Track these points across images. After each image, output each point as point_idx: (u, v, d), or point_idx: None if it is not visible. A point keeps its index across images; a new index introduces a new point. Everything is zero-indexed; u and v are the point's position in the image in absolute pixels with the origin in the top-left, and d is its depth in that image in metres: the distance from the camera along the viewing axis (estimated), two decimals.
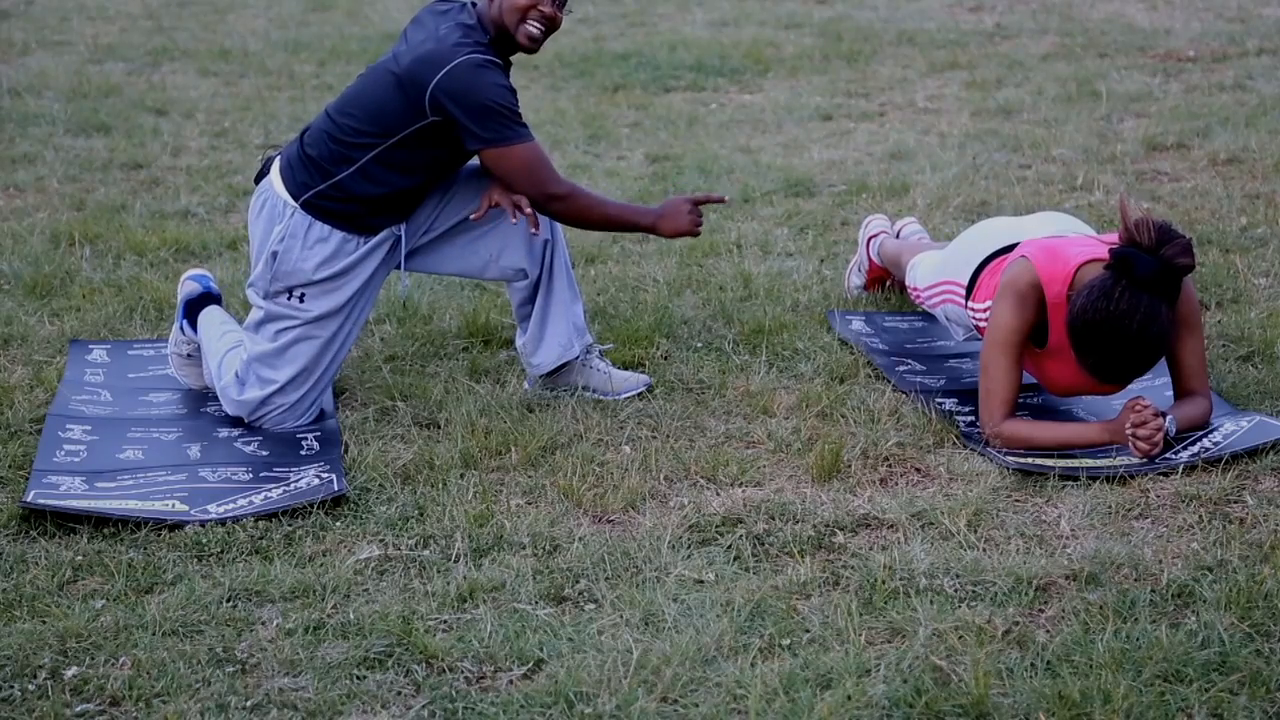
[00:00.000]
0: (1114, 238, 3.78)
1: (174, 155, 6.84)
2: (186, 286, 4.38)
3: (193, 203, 6.05)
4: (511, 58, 4.09)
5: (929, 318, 4.71)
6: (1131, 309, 3.54)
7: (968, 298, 4.10)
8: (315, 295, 4.07)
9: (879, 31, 9.51)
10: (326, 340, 4.08)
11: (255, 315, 4.12)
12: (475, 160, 4.17)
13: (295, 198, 4.06)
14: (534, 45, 4.00)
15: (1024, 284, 3.79)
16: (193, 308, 4.31)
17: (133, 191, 6.25)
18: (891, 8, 10.39)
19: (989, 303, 3.95)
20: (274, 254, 4.05)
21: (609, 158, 6.80)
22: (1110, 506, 3.51)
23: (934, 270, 4.32)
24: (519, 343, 4.30)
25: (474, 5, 4.07)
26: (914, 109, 7.62)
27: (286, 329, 4.07)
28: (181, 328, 4.31)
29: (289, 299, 4.07)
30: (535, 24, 3.99)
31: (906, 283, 4.56)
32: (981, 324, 4.03)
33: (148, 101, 7.88)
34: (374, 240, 4.10)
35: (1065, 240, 3.87)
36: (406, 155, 4.00)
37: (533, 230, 4.10)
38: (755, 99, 7.96)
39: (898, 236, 4.94)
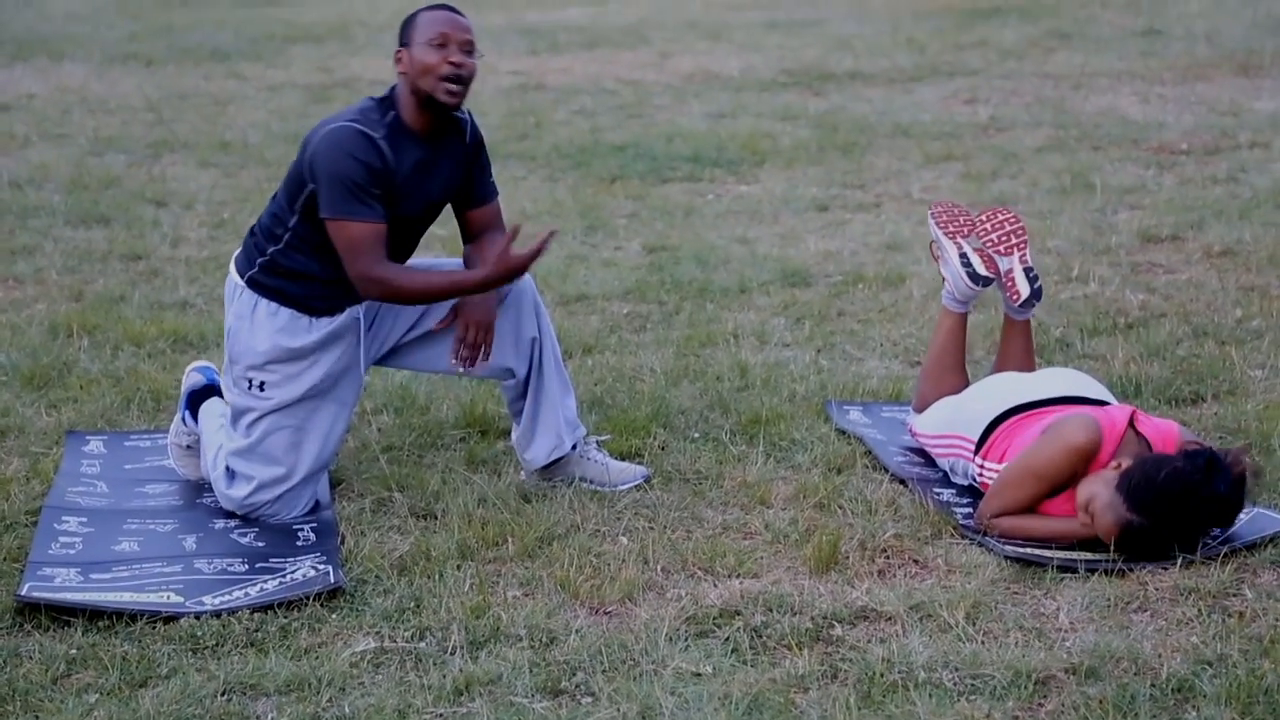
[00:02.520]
0: (1126, 408, 3.96)
1: (173, 246, 6.87)
2: (191, 378, 4.38)
3: (191, 293, 6.07)
4: (444, 118, 4.05)
5: None
6: (1196, 499, 3.63)
7: (976, 452, 4.11)
8: (275, 383, 4.07)
9: (874, 124, 9.59)
10: (297, 429, 4.07)
11: (229, 410, 4.15)
12: (450, 262, 4.25)
13: (242, 276, 4.11)
14: (455, 98, 3.98)
15: (1087, 442, 3.80)
16: (196, 399, 4.31)
17: (131, 282, 6.27)
18: (886, 100, 10.49)
19: (1002, 464, 3.98)
20: (230, 334, 4.09)
21: (606, 248, 6.83)
22: (1109, 599, 3.49)
23: (943, 421, 4.31)
24: (514, 437, 4.31)
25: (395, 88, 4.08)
26: (909, 200, 7.67)
27: (255, 421, 4.08)
28: (184, 419, 4.32)
29: (249, 388, 4.09)
30: (449, 79, 3.95)
31: (907, 420, 4.55)
32: (987, 480, 4.03)
33: (147, 193, 7.92)
34: (333, 325, 4.10)
35: (1110, 419, 3.88)
36: (312, 231, 4.01)
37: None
38: (752, 190, 8.01)
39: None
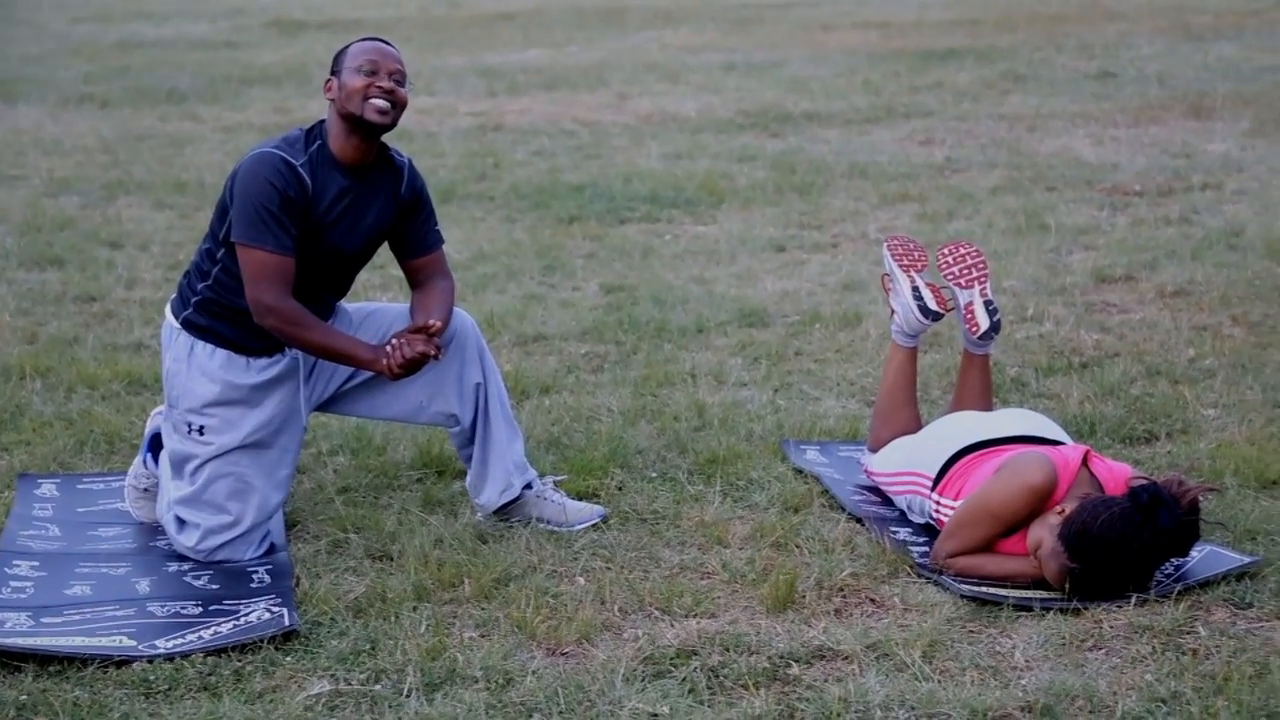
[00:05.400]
0: (1080, 447, 3.94)
1: (128, 288, 6.84)
2: (154, 421, 4.35)
3: (145, 335, 6.04)
4: (373, 150, 4.05)
5: None
6: (1137, 542, 3.63)
7: (933, 489, 4.12)
8: (215, 428, 4.05)
9: (831, 164, 9.64)
10: (240, 476, 4.05)
11: (171, 457, 4.11)
12: (392, 308, 4.24)
13: (177, 319, 4.10)
14: (385, 117, 3.97)
15: (1043, 481, 3.79)
16: (159, 443, 4.28)
17: (85, 324, 6.24)
18: (843, 141, 10.55)
19: (958, 501, 3.98)
20: (167, 378, 4.07)
21: (564, 288, 6.83)
22: (1064, 637, 3.50)
23: (900, 459, 4.32)
24: (468, 481, 4.30)
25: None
26: (866, 240, 7.70)
27: (198, 469, 4.05)
28: (144, 461, 4.28)
29: (189, 433, 4.06)
30: (378, 99, 3.96)
31: (862, 459, 4.56)
32: (943, 517, 4.03)
33: (102, 234, 7.89)
34: (272, 369, 4.09)
35: (1064, 458, 3.88)
36: (238, 263, 3.98)
37: (433, 354, 3.99)
38: (709, 230, 8.03)
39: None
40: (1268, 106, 11.36)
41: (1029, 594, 3.72)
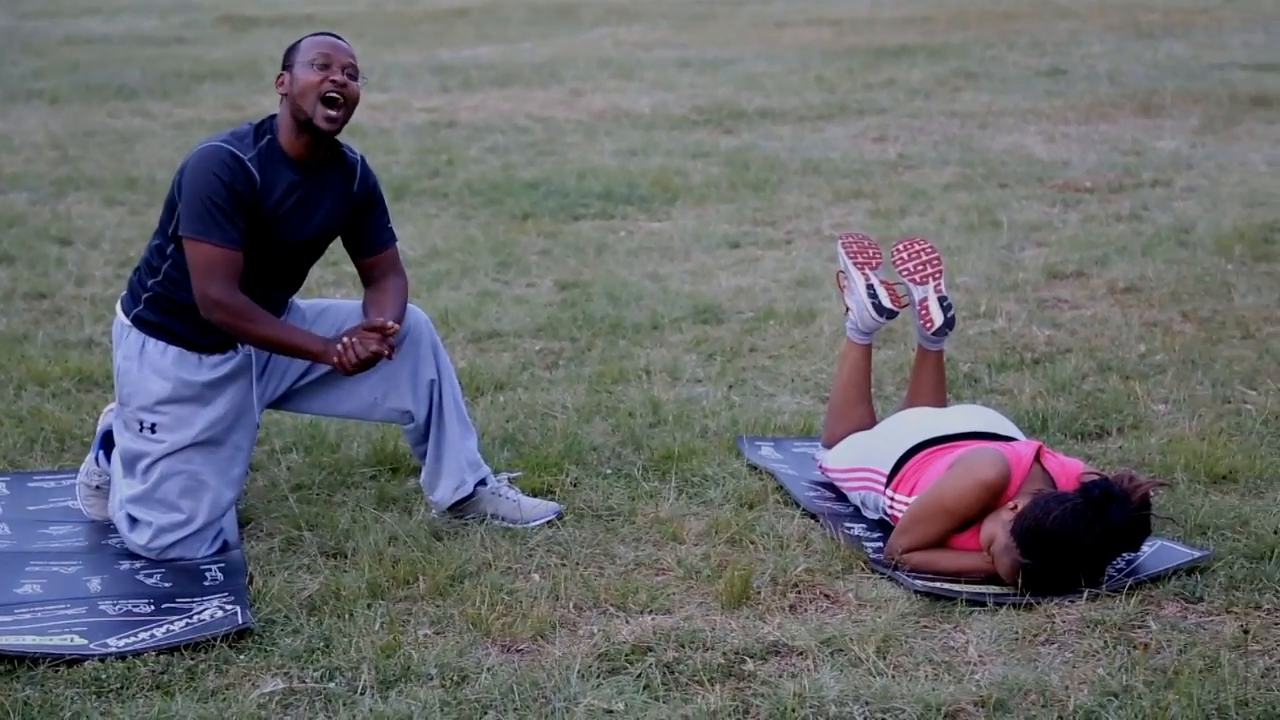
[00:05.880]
0: (1032, 443, 3.97)
1: (78, 285, 6.79)
2: (106, 419, 4.32)
3: (96, 332, 6.00)
4: (324, 147, 4.04)
5: None
6: (1089, 537, 3.66)
7: (887, 485, 4.14)
8: (166, 425, 4.02)
9: (785, 161, 9.66)
10: (193, 474, 4.03)
11: (123, 455, 4.08)
12: (345, 305, 4.24)
13: (128, 315, 4.08)
14: (333, 124, 3.96)
15: (996, 477, 3.82)
16: (110, 440, 4.25)
17: (35, 322, 6.19)
18: (797, 138, 10.57)
19: (912, 497, 4.00)
20: (119, 375, 4.05)
21: (518, 285, 6.83)
22: (1017, 632, 3.52)
23: (854, 455, 4.34)
24: (422, 478, 4.29)
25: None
26: (820, 237, 7.73)
27: (150, 467, 4.03)
28: (96, 459, 4.25)
29: (140, 430, 4.04)
30: (331, 107, 3.94)
31: (816, 456, 4.57)
32: (897, 513, 4.05)
33: (52, 231, 7.83)
34: (224, 366, 4.07)
35: (1017, 454, 3.91)
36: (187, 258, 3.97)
37: (386, 353, 3.98)
38: (664, 227, 8.04)
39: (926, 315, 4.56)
40: (1216, 104, 11.47)
41: (982, 589, 3.74)
